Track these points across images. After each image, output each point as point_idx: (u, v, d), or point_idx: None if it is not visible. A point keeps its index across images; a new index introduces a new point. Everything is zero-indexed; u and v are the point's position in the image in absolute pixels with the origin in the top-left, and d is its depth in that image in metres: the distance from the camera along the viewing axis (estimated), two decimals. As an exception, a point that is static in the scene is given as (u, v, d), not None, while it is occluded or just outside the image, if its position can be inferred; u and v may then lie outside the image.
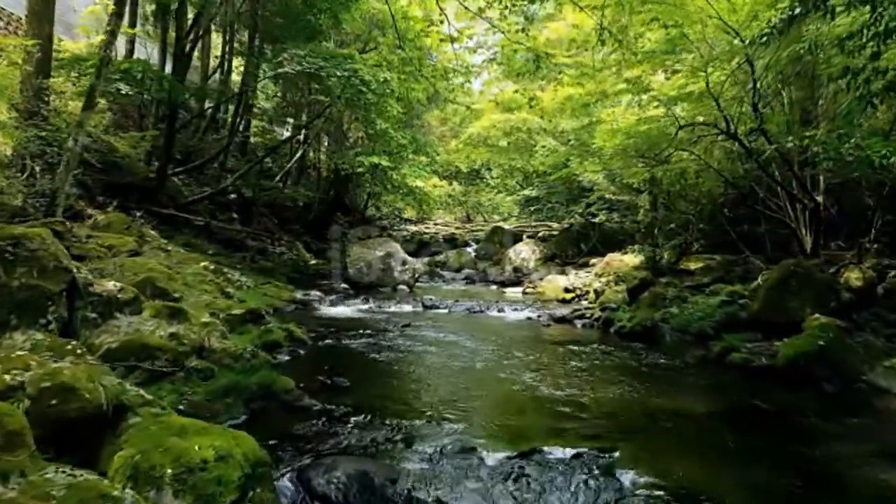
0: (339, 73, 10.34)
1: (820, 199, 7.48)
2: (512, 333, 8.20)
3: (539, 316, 9.63)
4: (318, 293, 11.40)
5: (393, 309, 10.50)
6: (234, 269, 11.34)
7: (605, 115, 8.86)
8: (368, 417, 4.08)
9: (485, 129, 13.97)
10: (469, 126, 14.82)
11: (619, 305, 8.97)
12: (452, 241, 23.59)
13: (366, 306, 10.71)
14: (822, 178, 7.88)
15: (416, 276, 13.36)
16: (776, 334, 6.75)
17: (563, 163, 11.39)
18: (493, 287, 14.14)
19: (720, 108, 7.00)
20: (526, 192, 18.29)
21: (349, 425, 3.96)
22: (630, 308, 8.91)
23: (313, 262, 17.84)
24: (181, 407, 3.69)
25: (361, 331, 7.85)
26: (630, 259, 12.35)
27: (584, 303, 10.97)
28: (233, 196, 17.06)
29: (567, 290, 11.26)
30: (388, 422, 4.01)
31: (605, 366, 6.29)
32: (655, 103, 7.96)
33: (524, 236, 20.85)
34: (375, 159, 13.38)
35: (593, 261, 14.11)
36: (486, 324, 9.13)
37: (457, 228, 27.56)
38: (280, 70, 10.50)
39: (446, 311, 10.42)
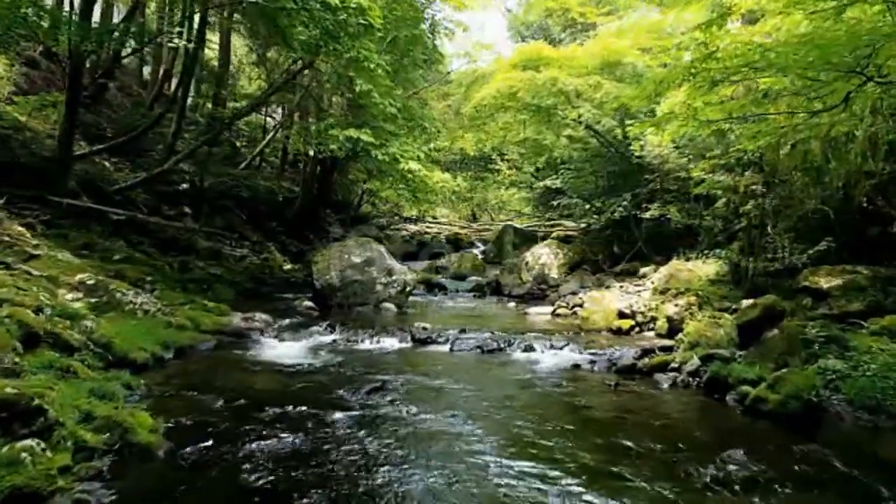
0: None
1: None
2: (556, 409, 4.70)
3: (592, 363, 6.12)
4: (265, 317, 7.95)
5: (367, 345, 7.05)
6: (141, 283, 7.92)
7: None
8: None
9: (499, 93, 10.48)
10: (480, 90, 11.33)
11: (731, 352, 5.47)
12: (456, 243, 20.72)
13: (328, 339, 7.28)
14: None
15: (408, 289, 9.89)
16: None
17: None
18: (511, 304, 10.65)
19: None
20: (547, 182, 14.78)
21: None
22: (749, 356, 5.41)
23: (287, 267, 14.52)
24: None
25: (291, 405, 4.37)
26: (700, 268, 8.85)
27: (650, 334, 7.47)
28: (184, 186, 13.68)
29: (623, 316, 7.77)
30: None
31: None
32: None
33: (538, 237, 17.61)
34: (353, 133, 9.91)
35: (643, 270, 10.61)
36: (509, 379, 5.64)
37: (461, 228, 24.51)
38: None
39: (446, 347, 6.95)
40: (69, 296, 6.47)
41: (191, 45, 9.83)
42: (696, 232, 10.31)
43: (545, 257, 14.42)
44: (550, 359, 6.44)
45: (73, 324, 5.11)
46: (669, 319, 7.05)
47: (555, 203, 15.32)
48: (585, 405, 4.78)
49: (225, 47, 16.04)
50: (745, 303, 6.71)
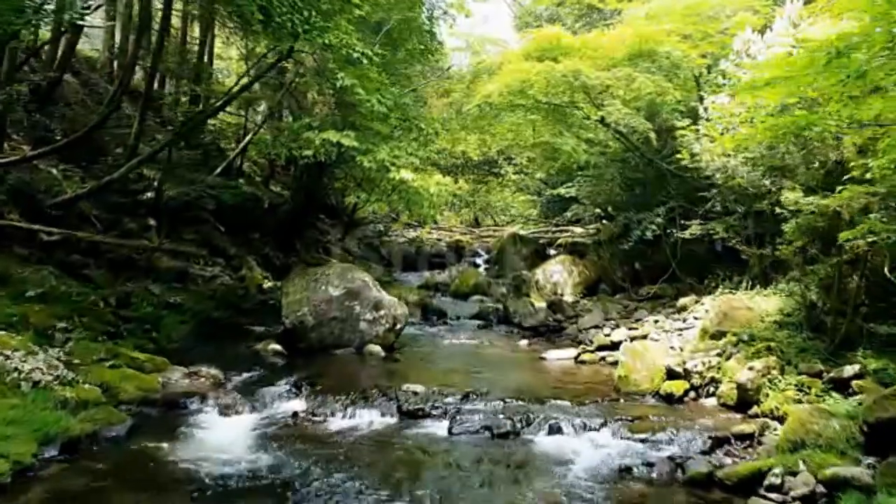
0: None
1: None
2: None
3: (649, 465, 4.33)
4: (214, 372, 6.27)
5: (338, 422, 5.32)
6: (51, 332, 6.17)
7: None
8: None
9: (508, 88, 8.69)
10: (485, 84, 9.54)
11: (869, 474, 3.71)
12: (457, 250, 19.07)
13: (290, 409, 5.56)
14: None
15: (398, 326, 8.12)
16: None
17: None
18: (523, 342, 8.85)
19: None
20: (561, 190, 13.02)
21: None
22: (888, 472, 3.66)
23: (267, 285, 12.72)
24: None
25: None
26: (758, 303, 7.10)
27: (711, 402, 5.68)
28: (148, 195, 11.90)
29: (673, 375, 6.01)
30: None
31: None
32: None
33: (544, 244, 15.95)
34: (333, 136, 8.15)
35: (683, 300, 8.83)
36: (531, 498, 3.88)
37: (462, 234, 22.85)
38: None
39: (443, 427, 5.19)
40: (-70, 362, 4.77)
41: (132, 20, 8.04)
42: (742, 256, 8.57)
43: (557, 275, 12.76)
44: (586, 451, 4.68)
45: None
46: (741, 388, 5.28)
47: (568, 214, 13.61)
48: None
49: (204, 38, 14.38)
50: (848, 370, 4.96)
